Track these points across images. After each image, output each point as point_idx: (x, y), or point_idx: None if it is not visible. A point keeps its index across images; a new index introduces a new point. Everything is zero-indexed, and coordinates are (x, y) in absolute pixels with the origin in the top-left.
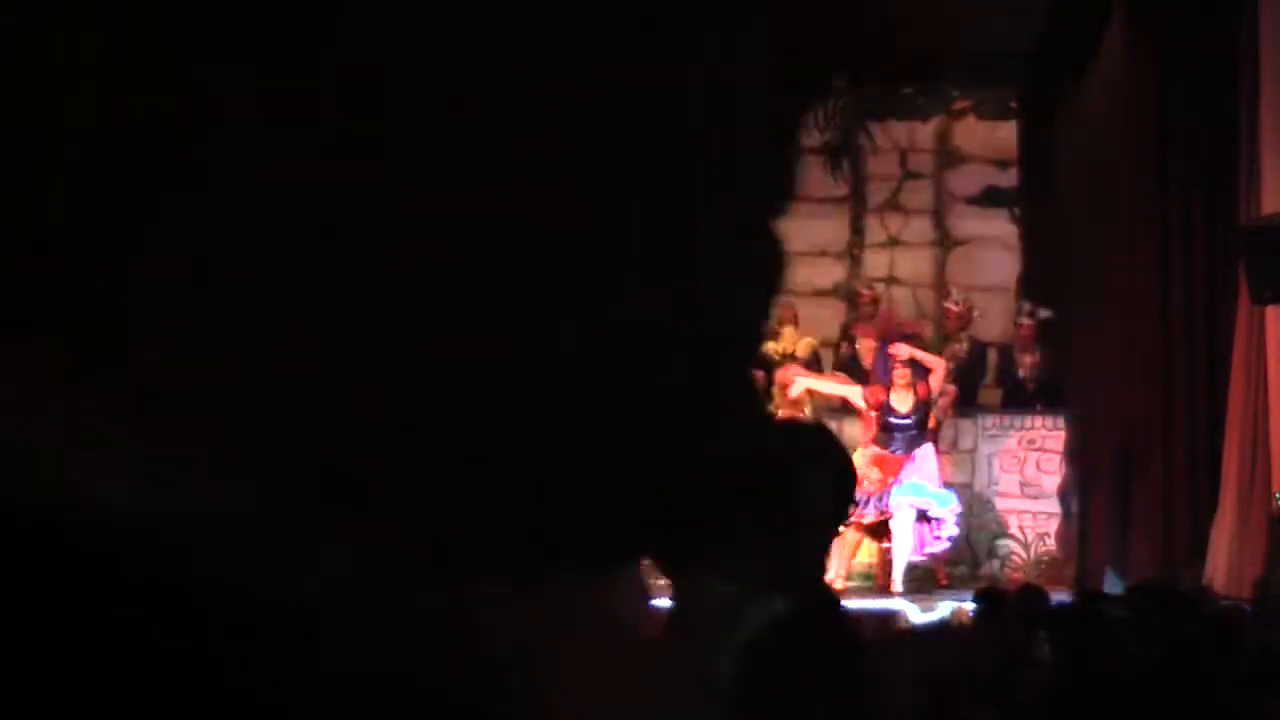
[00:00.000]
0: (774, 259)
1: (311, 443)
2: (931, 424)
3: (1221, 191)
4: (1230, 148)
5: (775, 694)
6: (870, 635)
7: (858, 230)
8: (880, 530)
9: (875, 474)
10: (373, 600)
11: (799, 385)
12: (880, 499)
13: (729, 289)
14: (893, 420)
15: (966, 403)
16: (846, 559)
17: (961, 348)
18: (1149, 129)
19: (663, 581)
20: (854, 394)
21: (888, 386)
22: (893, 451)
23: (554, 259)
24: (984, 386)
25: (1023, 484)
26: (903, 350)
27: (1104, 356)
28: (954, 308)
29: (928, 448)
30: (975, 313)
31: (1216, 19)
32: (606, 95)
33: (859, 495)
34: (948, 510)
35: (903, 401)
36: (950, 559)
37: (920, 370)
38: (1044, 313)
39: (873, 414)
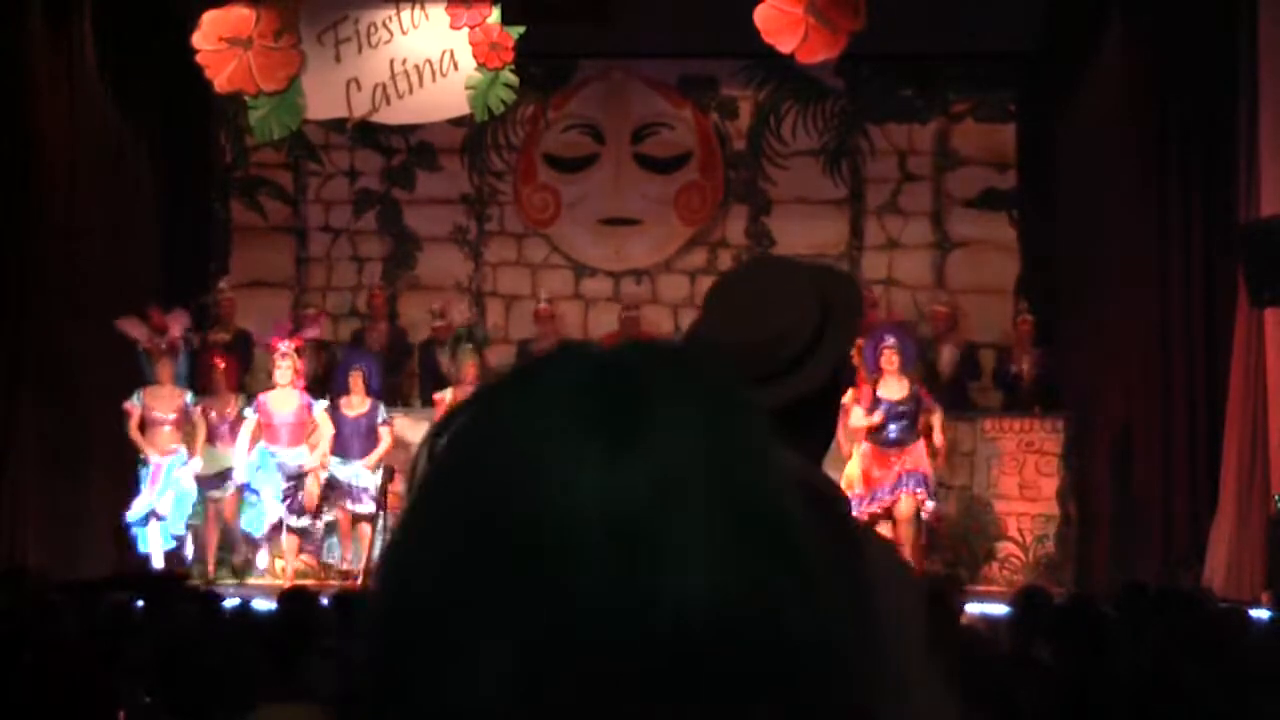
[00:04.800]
0: None
1: None
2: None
3: (1220, 193)
4: (1229, 149)
5: None
6: None
7: (857, 232)
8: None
9: (875, 470)
10: None
11: None
12: (883, 492)
13: None
14: (884, 409)
15: (960, 404)
16: None
17: (954, 349)
18: (1147, 131)
19: None
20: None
21: (876, 378)
22: (887, 443)
23: None
24: (980, 388)
25: (1021, 486)
26: (890, 339)
27: (1103, 358)
28: (941, 309)
29: (936, 439)
30: (957, 314)
31: (1215, 20)
32: None
33: (862, 490)
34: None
35: (892, 389)
36: (949, 561)
37: (910, 358)
38: (1025, 315)
39: (863, 409)
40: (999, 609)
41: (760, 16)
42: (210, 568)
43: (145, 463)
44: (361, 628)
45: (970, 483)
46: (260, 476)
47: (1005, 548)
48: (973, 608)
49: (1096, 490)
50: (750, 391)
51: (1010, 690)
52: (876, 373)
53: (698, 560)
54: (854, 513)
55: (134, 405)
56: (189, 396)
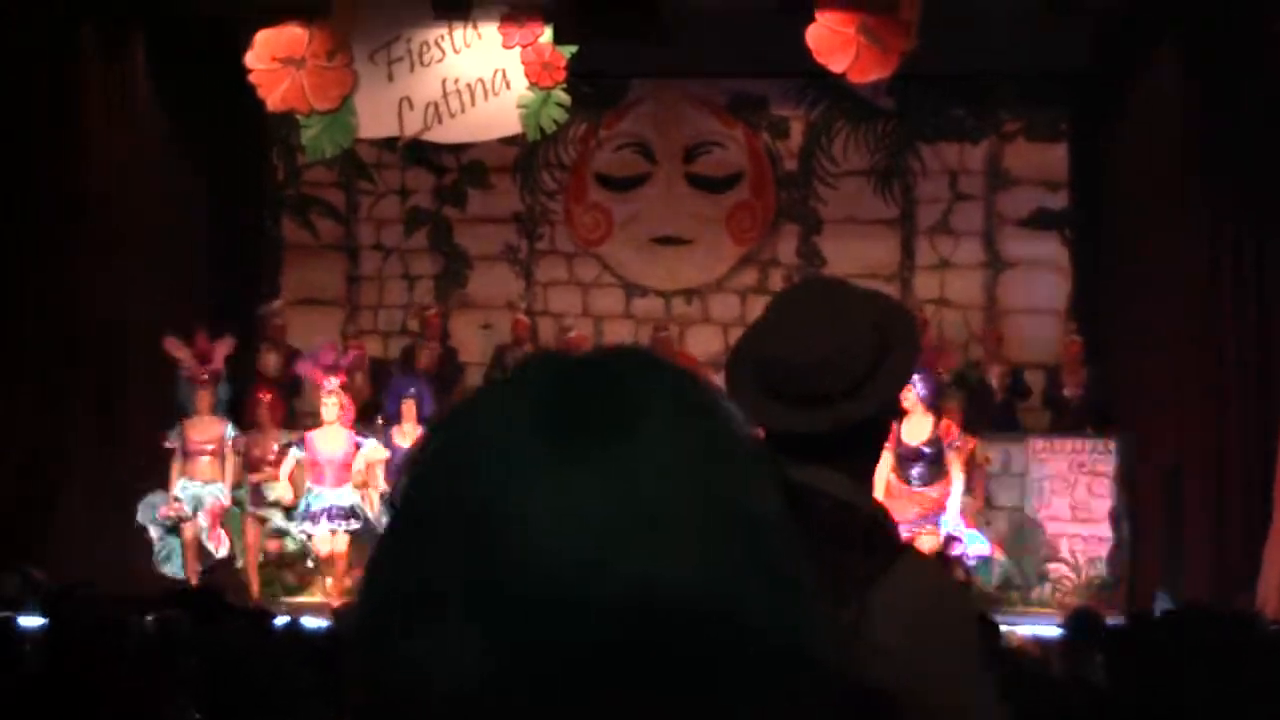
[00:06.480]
0: None
1: None
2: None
3: (1271, 211)
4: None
5: None
6: None
7: (908, 252)
8: None
9: (894, 508)
10: None
11: None
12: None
13: None
14: (903, 452)
15: (1007, 426)
16: None
17: (1003, 371)
18: (1199, 150)
19: None
20: None
21: (899, 417)
22: (911, 485)
23: None
24: (1030, 409)
25: (1073, 507)
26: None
27: (1155, 378)
28: (994, 331)
29: (956, 487)
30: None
31: (1266, 39)
32: None
33: None
34: (975, 547)
35: (914, 433)
36: (1001, 584)
37: (928, 395)
38: (1074, 337)
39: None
40: (1051, 630)
41: (812, 36)
42: (255, 589)
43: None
44: (350, 625)
45: (1021, 504)
46: (308, 522)
47: (1057, 569)
48: (1025, 629)
49: (1149, 511)
50: (802, 412)
51: (1062, 713)
52: (899, 412)
53: (654, 551)
54: (898, 532)
55: (173, 441)
56: (229, 428)
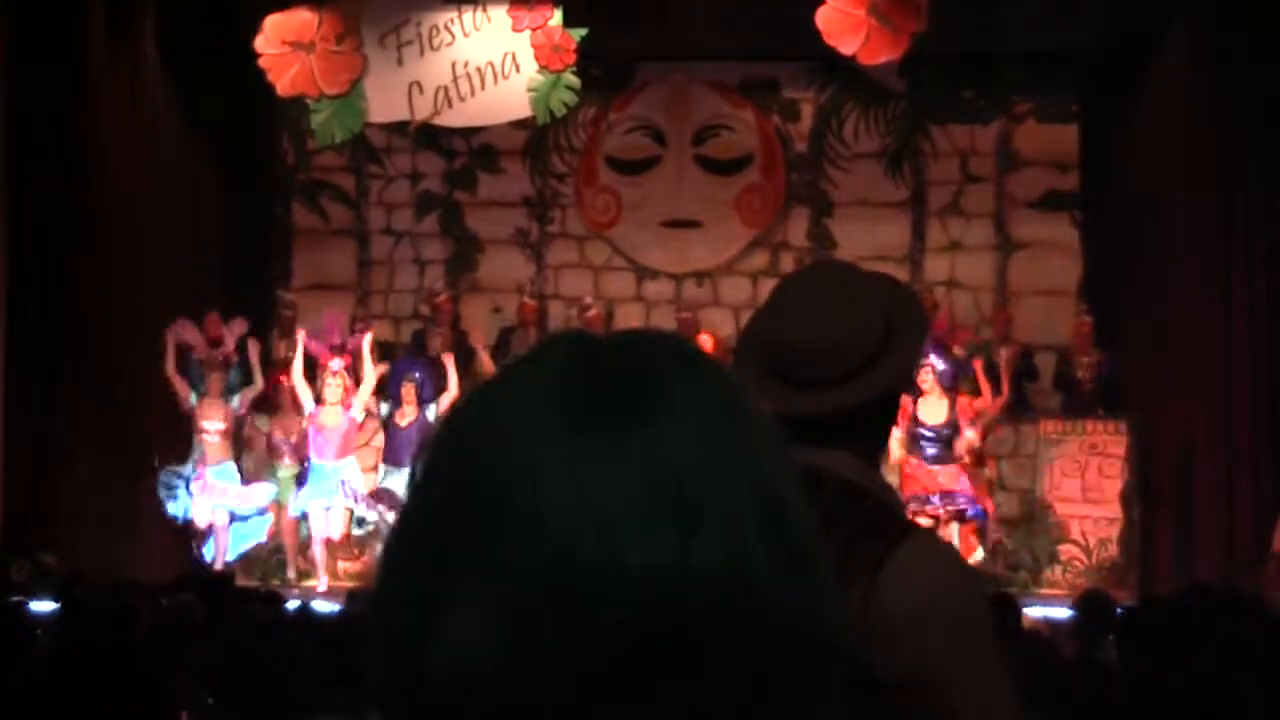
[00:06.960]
0: None
1: None
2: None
3: None
4: None
5: None
6: None
7: (919, 234)
8: None
9: (915, 483)
10: None
11: None
12: (924, 501)
13: None
14: (920, 431)
15: (1017, 407)
16: None
17: (1012, 352)
18: (1211, 131)
19: None
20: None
21: (915, 395)
22: (925, 461)
23: None
24: (1040, 391)
25: (1084, 489)
26: (932, 357)
27: (1166, 359)
28: (1003, 313)
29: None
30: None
31: (1276, 20)
32: None
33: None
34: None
35: (931, 412)
36: (1011, 565)
37: (946, 376)
38: (1085, 317)
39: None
40: (1062, 612)
41: (822, 18)
42: (292, 572)
43: (188, 421)
44: (364, 606)
45: (1032, 485)
46: (308, 494)
47: (1068, 550)
48: (1036, 611)
49: (1160, 493)
50: (809, 394)
51: (1073, 694)
52: (915, 390)
53: (674, 534)
54: (905, 513)
55: (188, 391)
56: (234, 401)
